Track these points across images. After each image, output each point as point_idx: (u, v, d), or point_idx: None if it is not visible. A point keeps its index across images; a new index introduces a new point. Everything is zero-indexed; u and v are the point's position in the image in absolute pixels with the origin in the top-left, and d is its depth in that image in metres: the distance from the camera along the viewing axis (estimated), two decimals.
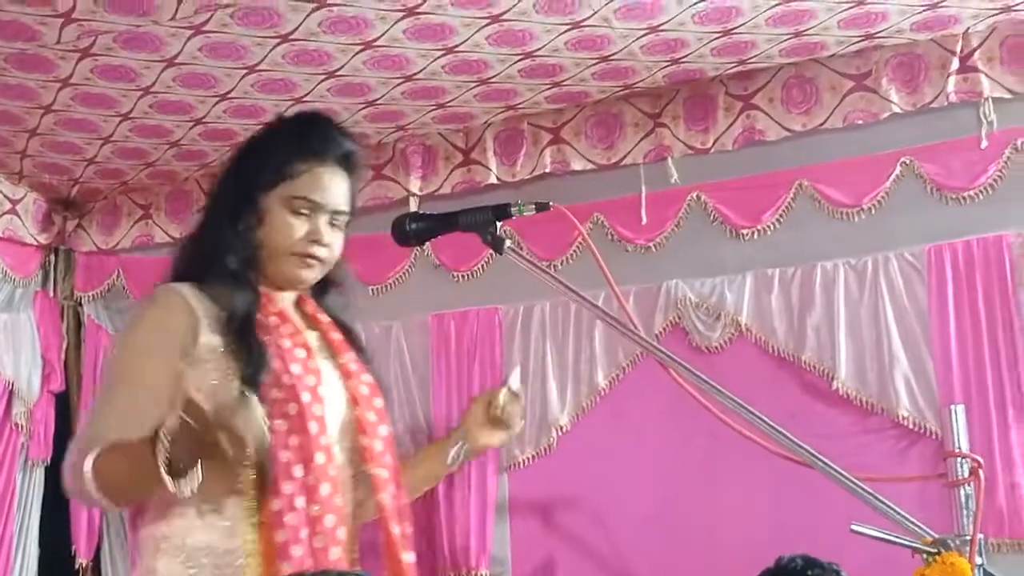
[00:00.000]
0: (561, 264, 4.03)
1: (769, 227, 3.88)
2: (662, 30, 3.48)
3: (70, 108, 3.84)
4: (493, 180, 4.21)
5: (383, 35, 3.42)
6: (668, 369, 1.81)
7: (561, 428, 4.02)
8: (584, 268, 3.69)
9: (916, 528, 1.70)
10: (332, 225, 2.12)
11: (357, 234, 4.56)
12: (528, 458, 4.05)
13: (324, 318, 2.17)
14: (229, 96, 3.81)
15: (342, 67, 3.63)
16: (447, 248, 4.21)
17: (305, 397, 1.95)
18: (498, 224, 1.91)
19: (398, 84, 3.80)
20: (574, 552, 3.97)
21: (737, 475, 3.64)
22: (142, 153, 4.31)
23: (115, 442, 1.85)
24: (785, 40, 3.61)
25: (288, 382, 1.94)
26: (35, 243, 4.66)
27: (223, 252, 2.05)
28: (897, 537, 1.73)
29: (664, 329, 3.92)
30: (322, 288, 2.21)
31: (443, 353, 4.23)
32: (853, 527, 1.76)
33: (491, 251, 1.89)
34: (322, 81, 3.74)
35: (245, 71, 3.63)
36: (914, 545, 1.70)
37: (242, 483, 1.92)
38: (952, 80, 3.64)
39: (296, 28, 3.34)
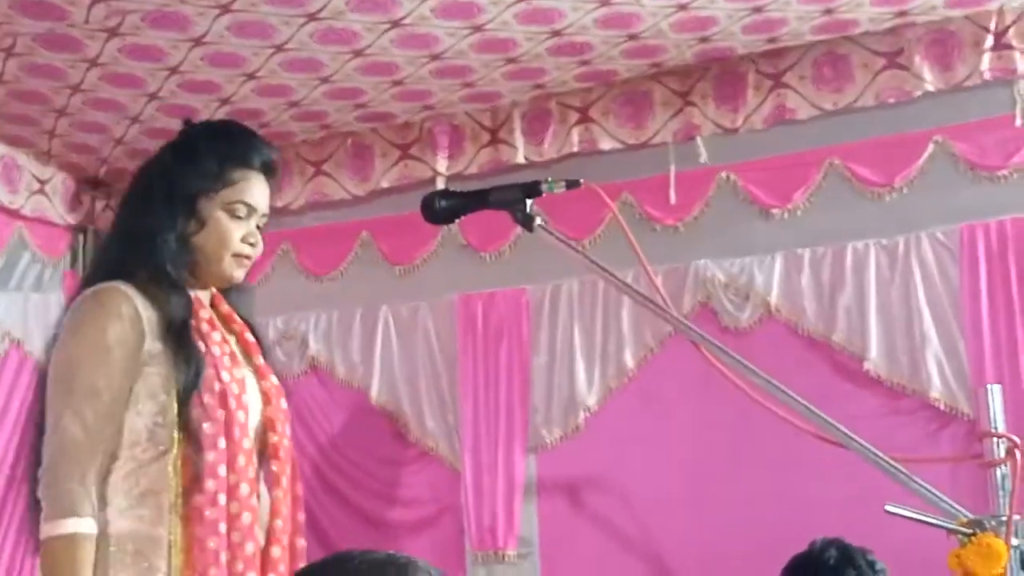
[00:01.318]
0: (588, 244, 4.01)
1: (799, 207, 3.85)
2: (692, 7, 3.45)
3: (98, 88, 3.85)
4: (520, 160, 4.19)
5: (410, 13, 3.41)
6: (700, 348, 1.78)
7: (589, 409, 4.00)
8: (612, 248, 3.67)
9: (951, 509, 1.67)
10: (258, 227, 2.32)
11: (384, 215, 4.68)
12: (556, 439, 4.04)
13: (237, 318, 2.38)
14: (256, 75, 3.80)
15: (369, 46, 3.62)
16: (474, 228, 4.20)
17: (232, 404, 2.17)
18: (528, 202, 1.89)
19: (425, 63, 3.78)
20: (602, 533, 3.96)
21: (767, 456, 3.61)
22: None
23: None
24: (816, 17, 3.57)
25: (219, 389, 2.15)
26: (64, 223, 4.67)
27: (162, 255, 2.21)
28: (932, 518, 1.70)
29: (692, 309, 3.89)
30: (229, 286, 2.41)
31: (470, 334, 4.22)
32: (888, 508, 1.73)
33: (518, 230, 1.88)
34: (349, 60, 3.72)
35: (272, 50, 3.62)
36: (950, 526, 1.68)
37: (170, 479, 2.09)
38: (986, 57, 3.60)
39: (323, 7, 3.33)
